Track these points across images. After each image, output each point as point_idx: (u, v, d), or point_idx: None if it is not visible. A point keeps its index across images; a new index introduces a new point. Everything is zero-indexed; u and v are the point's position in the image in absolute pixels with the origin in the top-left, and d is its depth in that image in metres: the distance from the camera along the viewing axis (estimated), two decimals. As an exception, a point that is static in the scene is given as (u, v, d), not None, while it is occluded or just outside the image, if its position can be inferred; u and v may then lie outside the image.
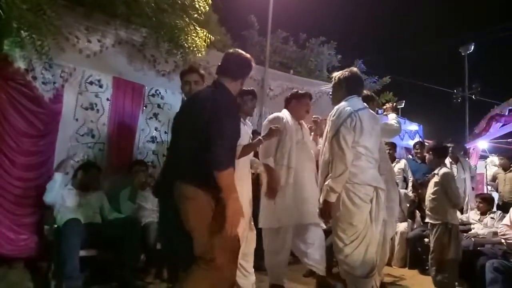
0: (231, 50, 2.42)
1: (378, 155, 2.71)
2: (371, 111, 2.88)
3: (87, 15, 3.66)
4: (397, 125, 3.42)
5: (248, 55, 2.39)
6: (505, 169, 5.82)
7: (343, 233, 2.55)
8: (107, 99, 3.87)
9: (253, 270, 3.18)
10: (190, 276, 2.12)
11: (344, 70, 2.82)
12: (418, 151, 6.17)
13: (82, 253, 3.09)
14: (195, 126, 2.16)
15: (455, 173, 5.53)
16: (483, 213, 4.48)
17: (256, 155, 3.46)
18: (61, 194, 3.32)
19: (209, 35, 4.16)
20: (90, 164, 3.60)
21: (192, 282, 2.11)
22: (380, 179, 2.66)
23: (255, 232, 3.23)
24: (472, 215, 4.68)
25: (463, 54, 14.08)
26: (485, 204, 4.50)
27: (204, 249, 2.11)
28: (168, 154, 2.87)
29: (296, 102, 3.46)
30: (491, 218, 4.31)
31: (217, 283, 2.14)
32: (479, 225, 4.44)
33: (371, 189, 2.56)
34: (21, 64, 3.26)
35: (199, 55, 4.02)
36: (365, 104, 2.79)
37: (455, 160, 5.62)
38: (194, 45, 3.91)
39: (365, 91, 3.67)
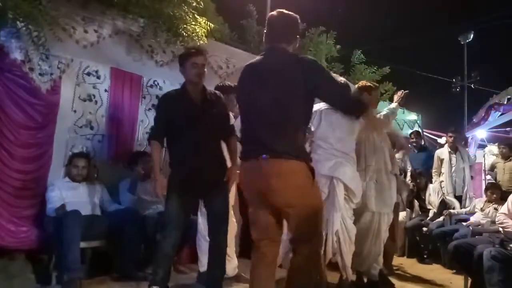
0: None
1: (351, 147, 2.96)
2: None
3: (83, 5, 3.61)
4: (383, 117, 3.36)
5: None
6: (505, 158, 5.81)
7: None
8: (105, 90, 3.83)
9: (235, 255, 3.31)
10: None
11: None
12: (414, 140, 6.19)
13: (83, 244, 3.11)
14: None
15: (454, 163, 5.56)
16: (489, 202, 4.50)
17: None
18: (60, 192, 3.30)
19: (209, 23, 4.11)
20: (77, 155, 3.50)
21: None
22: (343, 170, 2.87)
23: (234, 219, 3.23)
24: (478, 204, 4.70)
25: (462, 43, 14.02)
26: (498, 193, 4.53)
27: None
28: None
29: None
30: (494, 208, 4.32)
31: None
32: (479, 213, 4.46)
33: (325, 179, 2.85)
34: (17, 55, 3.23)
35: (201, 42, 3.94)
36: None
37: (454, 150, 5.63)
38: (194, 33, 3.85)
39: (363, 82, 3.65)
